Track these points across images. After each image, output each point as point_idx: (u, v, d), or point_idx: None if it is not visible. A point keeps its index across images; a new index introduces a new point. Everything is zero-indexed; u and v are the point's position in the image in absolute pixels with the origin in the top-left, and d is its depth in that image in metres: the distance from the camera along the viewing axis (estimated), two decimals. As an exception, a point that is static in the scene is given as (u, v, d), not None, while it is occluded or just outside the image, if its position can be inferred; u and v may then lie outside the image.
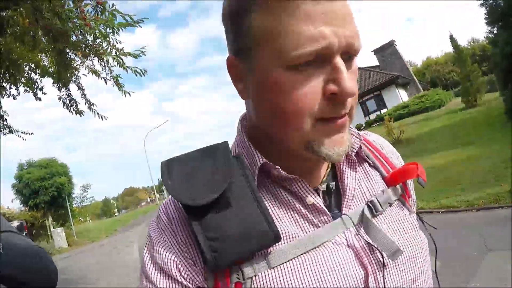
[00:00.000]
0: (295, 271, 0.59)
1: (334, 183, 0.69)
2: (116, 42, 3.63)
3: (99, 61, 3.72)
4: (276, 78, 0.56)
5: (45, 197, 20.18)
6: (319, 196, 0.66)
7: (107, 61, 3.78)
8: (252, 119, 0.70)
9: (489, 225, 5.56)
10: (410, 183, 0.79)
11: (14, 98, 4.84)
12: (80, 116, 4.63)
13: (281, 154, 0.66)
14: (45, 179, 20.21)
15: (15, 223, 20.19)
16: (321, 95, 0.56)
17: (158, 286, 0.61)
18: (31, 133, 5.88)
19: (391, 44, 31.86)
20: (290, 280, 0.58)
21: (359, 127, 27.98)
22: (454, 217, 6.59)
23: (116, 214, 71.89)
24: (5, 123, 5.36)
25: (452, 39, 20.29)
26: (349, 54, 0.57)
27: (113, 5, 3.37)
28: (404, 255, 0.65)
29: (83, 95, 4.56)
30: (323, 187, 0.68)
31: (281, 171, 0.63)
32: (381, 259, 0.63)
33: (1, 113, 4.87)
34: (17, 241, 1.19)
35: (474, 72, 19.33)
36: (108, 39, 3.53)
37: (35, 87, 4.79)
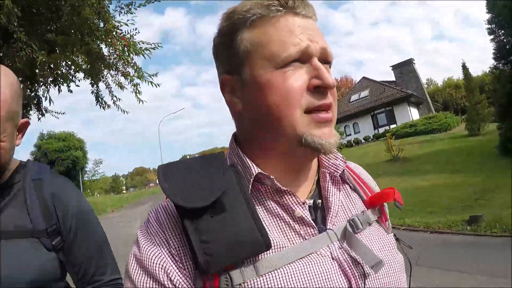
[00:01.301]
0: (282, 280, 0.60)
1: (320, 200, 0.74)
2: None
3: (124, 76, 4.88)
4: (268, 79, 0.65)
5: (60, 167, 21.39)
6: (307, 210, 0.70)
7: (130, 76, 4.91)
8: (244, 131, 0.76)
9: (433, 246, 6.47)
10: (386, 208, 0.83)
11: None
12: (105, 109, 5.76)
13: (272, 166, 0.71)
14: (63, 151, 21.45)
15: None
16: (306, 89, 0.65)
17: None
18: (63, 113, 6.81)
19: (409, 62, 32.36)
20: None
21: (367, 139, 28.70)
22: (409, 235, 7.43)
23: (124, 191, 71.29)
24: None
25: (464, 67, 20.92)
26: (325, 58, 0.69)
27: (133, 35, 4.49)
28: (383, 270, 0.68)
29: (110, 92, 5.73)
30: (310, 202, 0.72)
31: (275, 182, 0.67)
32: (363, 271, 0.66)
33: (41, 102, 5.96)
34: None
35: (482, 102, 19.92)
36: (130, 60, 4.62)
37: (69, 80, 5.89)
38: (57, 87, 5.34)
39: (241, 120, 0.74)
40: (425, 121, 25.91)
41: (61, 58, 4.54)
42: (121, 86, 5.10)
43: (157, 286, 0.61)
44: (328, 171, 0.76)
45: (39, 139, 21.46)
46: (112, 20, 4.31)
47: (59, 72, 5.04)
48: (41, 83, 4.95)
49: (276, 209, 0.69)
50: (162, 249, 0.63)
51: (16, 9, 3.01)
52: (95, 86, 5.70)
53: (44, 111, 6.10)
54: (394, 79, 33.46)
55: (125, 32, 4.82)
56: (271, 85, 0.65)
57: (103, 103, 5.83)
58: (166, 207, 0.70)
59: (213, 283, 0.60)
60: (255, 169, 0.69)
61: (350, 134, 32.44)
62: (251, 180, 0.68)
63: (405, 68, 32.51)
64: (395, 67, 33.32)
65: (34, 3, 3.35)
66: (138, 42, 4.91)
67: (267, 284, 0.60)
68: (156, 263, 0.62)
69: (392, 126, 29.15)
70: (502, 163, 12.83)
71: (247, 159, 0.71)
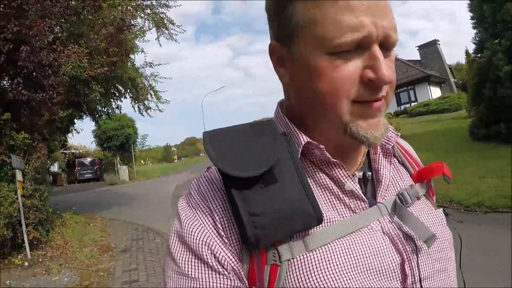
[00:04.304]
0: (332, 255, 0.57)
1: (369, 172, 0.70)
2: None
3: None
4: (316, 63, 0.58)
5: (116, 142, 26.71)
6: (357, 183, 0.67)
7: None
8: (291, 104, 0.70)
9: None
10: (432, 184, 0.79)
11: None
12: (143, 116, 11.19)
13: (319, 139, 0.65)
14: (117, 129, 26.65)
15: (88, 159, 28.42)
16: (358, 80, 0.57)
17: (187, 270, 0.57)
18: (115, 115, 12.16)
19: (433, 43, 33.60)
20: (328, 263, 0.56)
21: (388, 116, 30.85)
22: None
23: (176, 160, 74.23)
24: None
25: (467, 53, 22.62)
26: (386, 45, 0.58)
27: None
28: (435, 245, 0.66)
29: (144, 106, 10.90)
30: (359, 174, 0.69)
31: (325, 152, 0.63)
32: (415, 246, 0.64)
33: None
34: None
35: (482, 87, 21.63)
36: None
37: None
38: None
39: (288, 92, 0.70)
40: (438, 101, 27.49)
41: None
42: (148, 108, 10.70)
43: (201, 265, 0.57)
44: (380, 143, 0.70)
45: (99, 120, 26.33)
46: (140, 77, 9.12)
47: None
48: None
49: (325, 180, 0.65)
50: (205, 223, 0.59)
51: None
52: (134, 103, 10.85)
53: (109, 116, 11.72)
54: (419, 59, 34.93)
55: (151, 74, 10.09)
56: (319, 71, 0.58)
57: (141, 111, 11.19)
58: (208, 178, 0.66)
59: (260, 259, 0.56)
60: (304, 138, 0.64)
61: (376, 110, 34.45)
62: (300, 149, 0.64)
63: (429, 49, 33.86)
64: (420, 47, 34.60)
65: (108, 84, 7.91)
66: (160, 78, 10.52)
67: (317, 260, 0.57)
68: (199, 239, 0.58)
69: (413, 104, 30.93)
70: (466, 145, 14.94)
71: (295, 128, 0.67)
